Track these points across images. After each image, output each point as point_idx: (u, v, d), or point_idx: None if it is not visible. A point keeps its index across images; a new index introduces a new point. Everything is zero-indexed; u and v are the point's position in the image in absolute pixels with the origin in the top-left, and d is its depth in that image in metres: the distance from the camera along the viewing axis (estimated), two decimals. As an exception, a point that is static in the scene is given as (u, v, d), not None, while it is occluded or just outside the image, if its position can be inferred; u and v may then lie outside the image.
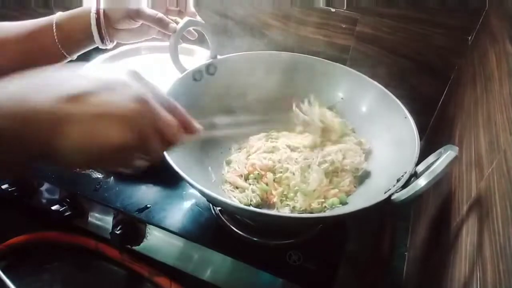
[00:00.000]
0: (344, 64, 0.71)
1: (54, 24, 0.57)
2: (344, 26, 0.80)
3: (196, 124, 0.39)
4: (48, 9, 0.94)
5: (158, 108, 0.33)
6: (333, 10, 0.79)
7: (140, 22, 0.60)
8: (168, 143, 0.35)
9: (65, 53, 0.59)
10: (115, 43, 0.64)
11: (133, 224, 0.62)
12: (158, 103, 0.34)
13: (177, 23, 0.62)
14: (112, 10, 0.58)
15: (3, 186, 0.68)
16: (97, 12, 0.58)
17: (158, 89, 0.35)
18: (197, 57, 0.88)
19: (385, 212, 0.71)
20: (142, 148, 0.33)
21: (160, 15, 0.59)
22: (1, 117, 0.27)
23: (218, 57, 0.69)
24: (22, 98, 0.28)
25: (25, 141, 0.28)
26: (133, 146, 0.31)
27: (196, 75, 0.66)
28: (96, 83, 0.30)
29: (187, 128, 0.38)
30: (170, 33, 0.61)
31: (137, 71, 0.34)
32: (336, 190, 0.59)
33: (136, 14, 0.58)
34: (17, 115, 0.28)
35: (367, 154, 0.63)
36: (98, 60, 0.87)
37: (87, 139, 0.29)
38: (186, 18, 0.62)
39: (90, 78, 0.31)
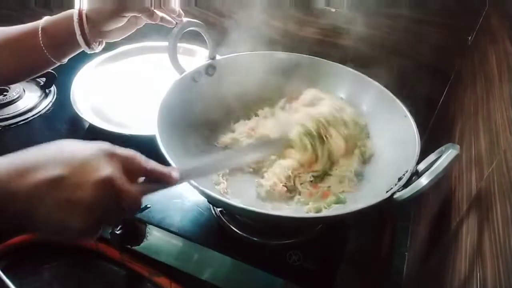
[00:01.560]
0: (344, 64, 0.71)
1: (39, 29, 0.55)
2: (344, 26, 0.80)
3: (174, 173, 0.41)
4: (48, 9, 0.94)
5: (123, 186, 0.36)
6: (333, 10, 0.79)
7: (128, 16, 0.57)
8: (128, 212, 0.38)
9: (52, 58, 0.57)
10: (103, 45, 0.61)
11: (133, 224, 0.62)
12: (128, 172, 0.37)
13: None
14: (96, 13, 0.55)
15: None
16: (80, 17, 0.55)
17: (131, 156, 0.38)
18: (198, 57, 0.88)
19: (386, 212, 0.71)
20: (102, 225, 0.36)
21: (146, 3, 0.56)
22: None
23: (217, 57, 0.69)
24: (3, 179, 0.32)
25: (3, 217, 0.32)
26: (94, 227, 0.35)
27: (195, 76, 0.66)
28: (69, 167, 0.34)
29: (162, 180, 0.40)
30: (155, 22, 0.59)
31: (111, 145, 0.37)
32: (327, 190, 0.59)
33: (122, 9, 0.55)
34: None
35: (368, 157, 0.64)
36: (98, 60, 0.87)
37: (55, 222, 0.33)
38: (185, 19, 0.61)
39: (65, 161, 0.34)
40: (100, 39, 0.60)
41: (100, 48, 0.61)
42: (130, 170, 0.38)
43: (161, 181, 0.40)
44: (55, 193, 0.33)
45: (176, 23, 0.61)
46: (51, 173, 0.33)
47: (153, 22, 0.59)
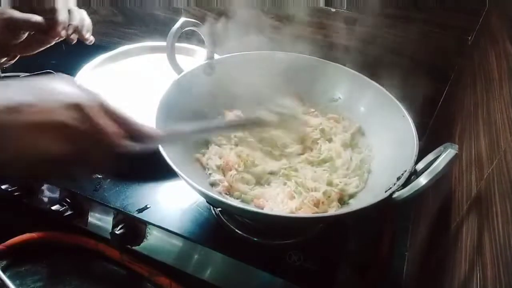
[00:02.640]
0: (344, 64, 0.71)
1: None
2: (344, 26, 0.80)
3: (153, 131, 0.38)
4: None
5: (97, 114, 0.33)
6: (333, 10, 0.79)
7: (21, 32, 0.52)
8: (111, 153, 0.34)
9: None
10: (16, 58, 0.57)
11: (133, 224, 0.62)
12: (99, 111, 0.33)
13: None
14: None
15: (3, 186, 0.68)
16: None
17: (99, 96, 0.35)
18: (197, 57, 0.88)
19: (386, 212, 0.71)
20: (82, 157, 0.33)
21: (36, 18, 0.51)
22: None
23: (216, 57, 0.69)
24: None
25: None
26: (72, 156, 0.32)
27: (193, 76, 0.66)
28: (32, 92, 0.31)
29: (140, 136, 0.36)
30: (56, 39, 0.55)
31: (74, 79, 0.34)
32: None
33: (8, 23, 0.50)
34: None
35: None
36: (97, 60, 0.87)
37: (24, 149, 0.30)
38: (182, 19, 0.61)
39: (26, 87, 0.31)
40: (7, 53, 0.56)
41: (11, 62, 0.57)
42: (99, 108, 0.34)
43: (141, 139, 0.36)
44: (19, 117, 0.29)
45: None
46: (13, 99, 0.30)
47: (53, 38, 0.55)
